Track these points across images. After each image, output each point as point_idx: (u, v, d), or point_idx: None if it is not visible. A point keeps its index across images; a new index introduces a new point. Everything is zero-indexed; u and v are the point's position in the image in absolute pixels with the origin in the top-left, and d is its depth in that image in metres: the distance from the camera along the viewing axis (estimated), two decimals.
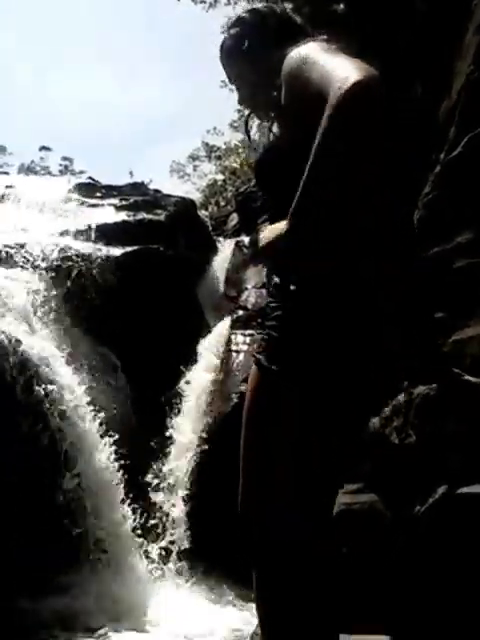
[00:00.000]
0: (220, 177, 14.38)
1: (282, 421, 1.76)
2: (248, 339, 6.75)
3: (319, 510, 1.84)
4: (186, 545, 6.61)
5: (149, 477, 6.97)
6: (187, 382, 7.53)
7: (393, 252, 1.79)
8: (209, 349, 7.69)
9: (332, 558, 1.84)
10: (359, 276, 1.70)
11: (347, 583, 3.08)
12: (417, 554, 2.40)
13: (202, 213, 11.89)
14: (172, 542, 6.69)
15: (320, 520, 1.83)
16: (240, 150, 12.81)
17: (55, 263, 7.99)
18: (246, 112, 2.29)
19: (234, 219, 10.63)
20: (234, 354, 7.04)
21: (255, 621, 2.95)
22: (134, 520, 6.24)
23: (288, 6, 2.17)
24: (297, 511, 1.77)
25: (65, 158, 24.96)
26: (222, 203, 13.17)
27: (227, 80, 2.17)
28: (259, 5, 2.13)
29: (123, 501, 6.21)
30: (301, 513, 1.77)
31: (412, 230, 2.71)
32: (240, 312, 7.45)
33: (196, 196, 13.60)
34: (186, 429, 7.21)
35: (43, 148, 24.73)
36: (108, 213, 9.64)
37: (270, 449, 1.79)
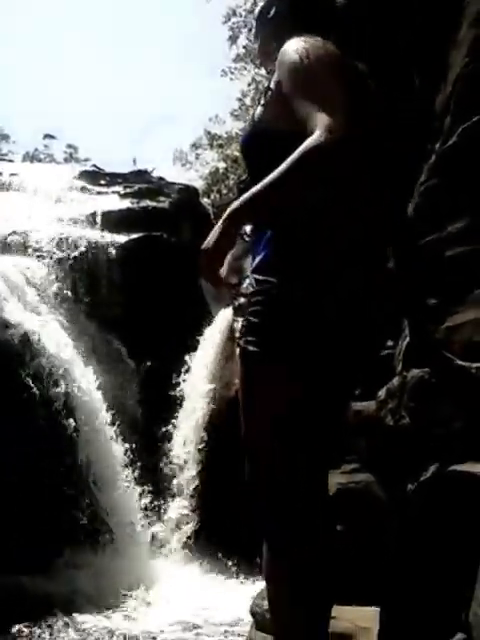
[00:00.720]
0: (222, 165, 14.40)
1: (266, 410, 1.80)
2: None
3: (310, 501, 1.87)
4: (191, 523, 6.73)
5: (155, 458, 7.09)
6: (190, 368, 7.63)
7: (385, 259, 1.85)
8: (211, 336, 7.80)
9: (325, 552, 1.89)
10: (344, 284, 1.76)
11: (342, 561, 3.18)
12: (409, 531, 2.48)
13: (204, 201, 11.94)
14: (177, 520, 6.82)
15: (310, 515, 1.86)
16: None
17: (60, 250, 8.08)
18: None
19: None
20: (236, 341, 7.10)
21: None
22: (139, 498, 6.38)
23: None
24: (275, 517, 1.83)
25: (69, 146, 24.82)
26: (224, 191, 13.20)
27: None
28: None
29: (128, 479, 6.37)
30: (279, 519, 1.83)
31: (412, 229, 2.77)
32: (241, 300, 7.51)
33: (199, 184, 13.63)
34: (190, 413, 7.32)
35: (47, 136, 24.55)
36: (112, 200, 9.72)
37: (257, 443, 1.84)
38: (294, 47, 1.76)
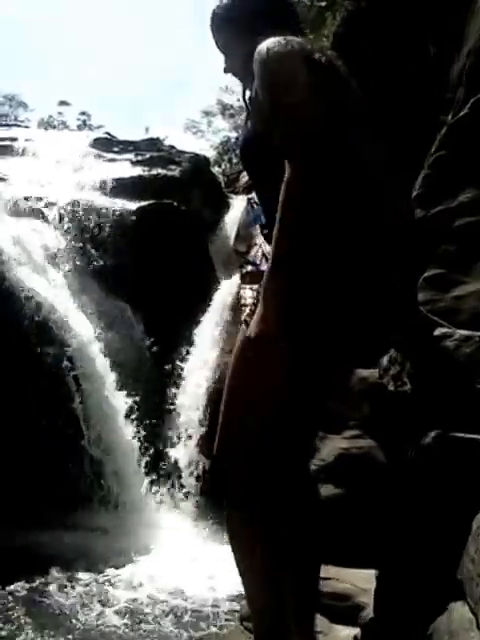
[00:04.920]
0: (233, 135, 14.31)
1: (264, 375, 1.87)
2: (256, 294, 6.85)
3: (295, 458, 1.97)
4: (194, 486, 6.81)
5: (161, 422, 7.17)
6: (198, 335, 7.69)
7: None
8: (219, 303, 7.83)
9: (305, 520, 1.97)
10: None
11: (342, 525, 3.23)
12: (408, 495, 2.52)
13: (215, 170, 11.92)
14: (181, 483, 6.90)
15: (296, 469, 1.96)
16: None
17: (72, 216, 8.12)
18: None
19: (246, 176, 10.61)
20: (243, 308, 7.14)
21: None
22: (145, 462, 6.46)
23: None
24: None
25: (83, 113, 24.76)
26: (234, 160, 13.14)
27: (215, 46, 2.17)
28: None
29: (134, 441, 6.45)
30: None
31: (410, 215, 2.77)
32: (249, 268, 7.52)
33: (210, 153, 13.58)
34: (197, 378, 7.38)
35: (62, 103, 24.40)
36: (124, 168, 9.72)
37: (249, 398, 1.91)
38: (263, 62, 1.81)
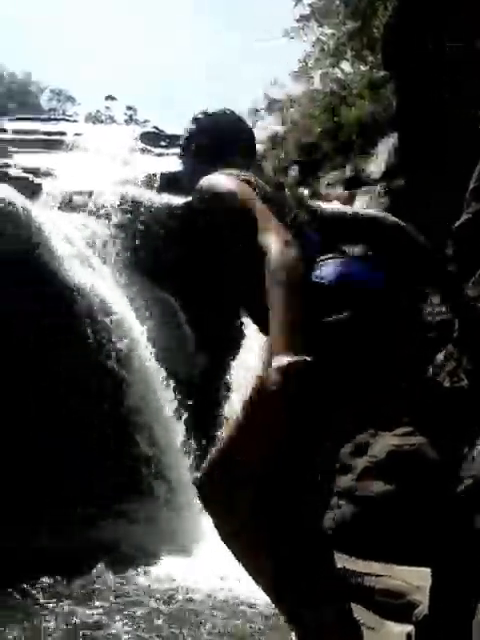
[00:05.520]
0: (281, 128, 14.22)
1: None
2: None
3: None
4: None
5: (207, 414, 7.17)
6: (244, 328, 7.65)
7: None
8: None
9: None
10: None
11: (395, 521, 3.22)
12: (460, 494, 2.50)
13: (263, 164, 11.82)
14: None
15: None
16: (303, 100, 12.60)
17: (120, 211, 8.17)
18: None
19: (294, 170, 10.54)
20: None
21: None
22: (190, 453, 6.48)
23: None
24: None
25: (129, 107, 24.95)
26: (282, 155, 13.07)
27: None
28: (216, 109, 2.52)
29: (181, 433, 6.51)
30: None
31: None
32: None
33: (257, 147, 13.43)
34: (245, 375, 7.35)
35: (109, 97, 24.57)
36: (172, 162, 9.75)
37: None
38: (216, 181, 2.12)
